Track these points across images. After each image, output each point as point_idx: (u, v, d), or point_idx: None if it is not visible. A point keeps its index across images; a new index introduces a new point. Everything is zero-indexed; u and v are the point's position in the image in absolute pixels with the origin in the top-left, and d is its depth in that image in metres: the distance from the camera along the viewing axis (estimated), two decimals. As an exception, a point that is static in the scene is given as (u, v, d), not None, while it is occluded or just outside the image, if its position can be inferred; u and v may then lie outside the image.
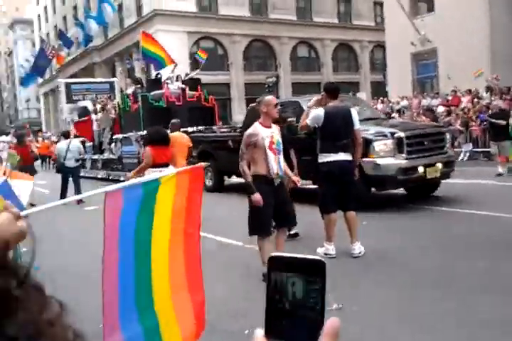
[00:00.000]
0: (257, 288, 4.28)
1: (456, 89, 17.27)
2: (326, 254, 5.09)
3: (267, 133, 4.41)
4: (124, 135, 14.40)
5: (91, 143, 16.85)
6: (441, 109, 16.97)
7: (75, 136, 18.01)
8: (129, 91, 14.90)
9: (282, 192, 4.57)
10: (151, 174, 5.89)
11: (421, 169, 7.39)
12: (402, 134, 7.41)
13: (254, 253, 5.46)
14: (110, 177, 14.56)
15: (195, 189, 2.29)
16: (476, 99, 15.85)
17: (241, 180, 10.64)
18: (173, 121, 8.42)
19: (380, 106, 22.42)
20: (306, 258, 0.65)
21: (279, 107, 4.50)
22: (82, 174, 16.91)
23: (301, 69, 35.57)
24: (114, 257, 1.89)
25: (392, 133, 7.43)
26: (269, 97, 4.56)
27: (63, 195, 10.52)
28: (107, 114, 16.08)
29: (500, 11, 18.75)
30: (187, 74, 15.80)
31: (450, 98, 17.50)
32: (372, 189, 7.80)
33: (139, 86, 15.04)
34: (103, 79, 26.94)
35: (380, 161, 7.27)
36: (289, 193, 4.89)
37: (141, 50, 15.06)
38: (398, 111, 19.01)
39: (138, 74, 27.84)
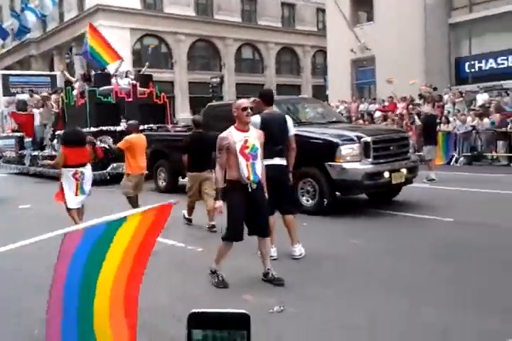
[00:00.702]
0: (199, 290, 4.42)
1: (393, 95, 18.15)
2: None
3: (240, 137, 4.28)
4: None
5: (30, 139, 15.91)
6: (377, 114, 17.80)
7: (15, 131, 17.07)
8: (76, 85, 14.09)
9: (257, 199, 4.39)
10: (66, 174, 6.43)
11: (386, 174, 7.32)
12: (368, 139, 7.30)
13: (196, 254, 5.61)
14: (51, 175, 13.73)
15: (155, 228, 2.18)
16: (411, 106, 16.73)
17: None
18: (130, 122, 7.95)
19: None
20: (230, 313, 0.61)
21: (248, 111, 4.35)
22: (19, 171, 16.41)
23: (245, 71, 35.94)
24: (59, 295, 1.95)
25: (359, 138, 7.30)
26: (240, 101, 4.53)
27: None
28: (49, 109, 15.28)
29: (434, 24, 19.91)
30: (139, 71, 15.25)
31: (387, 104, 18.35)
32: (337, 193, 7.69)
33: (83, 82, 14.27)
34: (44, 72, 25.74)
35: (346, 165, 7.15)
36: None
37: (85, 43, 14.16)
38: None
39: (78, 69, 27.14)
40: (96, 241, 1.97)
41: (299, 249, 5.26)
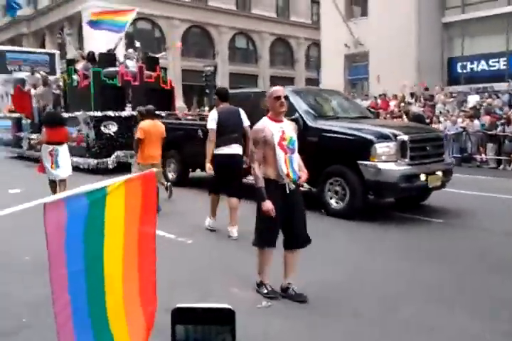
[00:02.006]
0: (184, 281, 4.36)
1: (385, 92, 18.22)
2: (209, 226, 6.24)
3: (277, 129, 3.83)
4: (70, 114, 12.21)
5: (29, 121, 14.81)
6: (369, 111, 17.86)
7: (11, 111, 15.95)
8: (79, 65, 12.97)
9: (294, 202, 3.86)
10: (45, 150, 7.38)
11: (423, 177, 6.69)
12: (405, 137, 6.65)
13: (184, 246, 5.57)
14: None
15: (148, 196, 2.08)
16: (402, 104, 16.83)
17: (204, 174, 9.87)
18: (146, 107, 7.33)
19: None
20: (215, 308, 0.60)
21: (282, 100, 3.86)
22: (16, 155, 15.59)
23: (239, 60, 35.72)
24: (63, 279, 1.75)
25: (395, 135, 6.65)
26: (273, 89, 4.00)
27: None
28: (49, 89, 14.10)
29: (428, 22, 19.99)
30: (146, 53, 14.13)
31: (379, 101, 18.43)
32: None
33: (85, 61, 13.20)
34: (43, 50, 24.32)
35: (381, 166, 6.50)
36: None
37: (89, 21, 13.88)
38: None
39: (70, 49, 26.69)
40: (87, 214, 1.80)
41: (235, 231, 5.85)
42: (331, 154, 6.91)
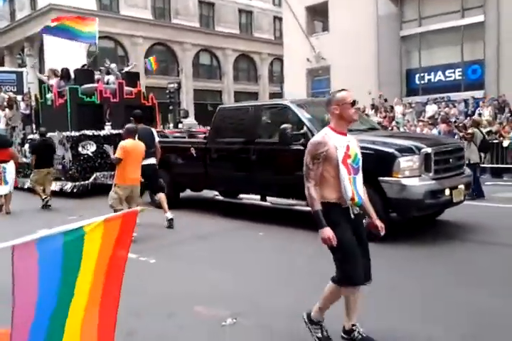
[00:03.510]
0: (148, 302, 4.24)
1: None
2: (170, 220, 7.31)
3: (342, 143, 3.17)
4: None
5: None
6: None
7: None
8: (51, 82, 12.26)
9: (360, 229, 3.26)
10: None
11: (447, 192, 6.16)
12: (429, 150, 6.09)
13: (147, 266, 5.34)
14: (21, 186, 11.75)
15: (124, 236, 2.01)
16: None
17: (195, 194, 9.58)
18: (126, 126, 7.06)
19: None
20: None
21: (356, 106, 3.28)
22: None
23: (203, 77, 35.93)
24: (27, 316, 1.72)
25: (418, 148, 6.08)
26: (343, 94, 3.25)
27: None
28: (18, 111, 13.60)
29: (387, 36, 20.56)
30: (121, 69, 13.41)
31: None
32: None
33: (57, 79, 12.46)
34: (9, 69, 23.39)
35: (405, 181, 5.92)
36: None
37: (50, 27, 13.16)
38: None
39: (30, 70, 26.33)
40: (62, 255, 1.76)
41: (170, 214, 7.23)
42: None
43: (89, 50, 29.56)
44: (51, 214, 8.93)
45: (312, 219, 3.14)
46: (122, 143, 6.67)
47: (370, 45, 20.41)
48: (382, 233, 3.29)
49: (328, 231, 3.03)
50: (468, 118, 14.40)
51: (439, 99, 18.56)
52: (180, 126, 22.57)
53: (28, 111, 13.75)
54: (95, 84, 11.83)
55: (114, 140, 10.24)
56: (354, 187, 3.16)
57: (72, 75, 12.25)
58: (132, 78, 12.90)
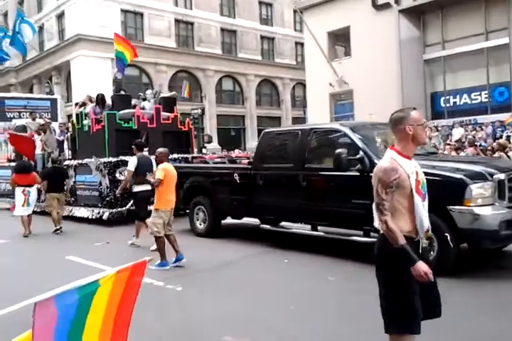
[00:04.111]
0: (175, 331, 4.19)
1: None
2: (133, 244, 7.96)
3: (411, 168, 2.85)
4: (80, 161, 11.62)
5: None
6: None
7: (10, 161, 14.84)
8: (88, 109, 12.22)
9: (428, 262, 2.86)
10: (18, 190, 9.71)
11: None
12: (502, 176, 5.60)
13: (174, 293, 5.33)
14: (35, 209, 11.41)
15: (131, 288, 2.06)
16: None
17: (236, 221, 9.18)
18: (160, 149, 6.93)
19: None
20: None
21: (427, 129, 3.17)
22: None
23: (226, 102, 36.33)
24: None
25: (491, 174, 5.58)
26: (417, 113, 2.94)
27: None
28: (52, 136, 13.57)
29: (409, 59, 20.50)
30: (157, 92, 13.26)
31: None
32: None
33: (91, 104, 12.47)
34: (43, 96, 23.36)
35: (478, 211, 5.40)
36: None
37: (114, 53, 13.59)
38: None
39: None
40: (74, 310, 1.81)
41: (139, 240, 8.00)
42: None
43: (116, 79, 30.31)
44: (77, 240, 9.10)
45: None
46: (162, 166, 6.63)
47: (393, 68, 20.34)
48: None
49: (422, 266, 2.66)
50: (496, 141, 14.07)
51: (466, 122, 18.28)
52: (204, 151, 22.70)
53: (62, 138, 13.77)
54: (132, 110, 11.68)
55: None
56: (426, 217, 2.85)
57: (109, 101, 12.25)
58: (169, 103, 12.69)
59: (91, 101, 12.57)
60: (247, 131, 37.16)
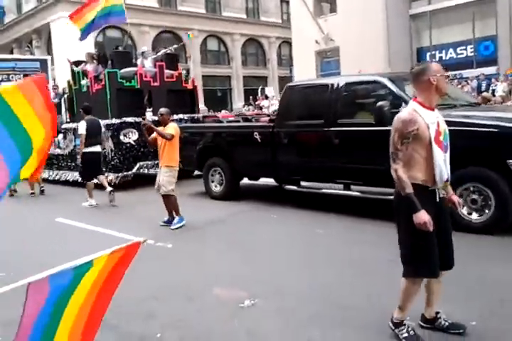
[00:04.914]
0: (166, 286, 4.25)
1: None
2: (90, 205, 8.35)
3: (432, 119, 2.88)
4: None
5: None
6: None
7: None
8: (89, 67, 11.31)
9: (444, 215, 2.99)
10: None
11: None
12: None
13: (164, 251, 5.36)
14: (55, 178, 11.26)
15: (119, 268, 2.02)
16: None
17: (253, 182, 8.68)
18: (163, 109, 6.71)
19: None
20: None
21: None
22: None
23: (211, 63, 35.79)
24: (26, 330, 1.77)
25: None
26: (438, 64, 2.98)
27: None
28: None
29: (395, 15, 20.25)
30: (157, 52, 12.14)
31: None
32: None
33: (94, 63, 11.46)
34: (33, 56, 22.48)
35: None
36: None
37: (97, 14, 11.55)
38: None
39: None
40: (64, 289, 1.80)
41: (109, 188, 8.51)
42: (464, 153, 4.94)
43: (97, 40, 29.61)
44: (68, 202, 9.18)
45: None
46: (173, 125, 6.61)
47: (379, 24, 20.12)
48: (460, 209, 3.04)
49: (424, 215, 2.78)
50: (480, 94, 14.21)
51: (452, 76, 18.33)
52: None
53: (56, 100, 12.80)
54: (134, 68, 10.86)
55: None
56: (446, 168, 2.92)
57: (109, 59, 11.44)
58: (171, 60, 11.70)
59: (93, 59, 11.63)
60: (234, 92, 36.84)
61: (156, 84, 10.89)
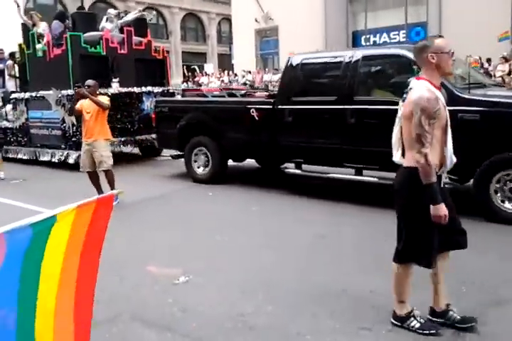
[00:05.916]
0: (101, 265, 4.13)
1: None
2: None
3: (443, 99, 2.70)
4: (33, 94, 9.69)
5: None
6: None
7: None
8: (43, 29, 9.92)
9: (449, 200, 2.82)
10: None
11: None
12: None
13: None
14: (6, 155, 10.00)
15: (98, 225, 1.87)
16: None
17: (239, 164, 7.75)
18: (90, 82, 6.45)
19: (226, 78, 23.38)
20: None
21: (454, 58, 2.78)
22: None
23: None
24: None
25: None
26: (442, 40, 2.71)
27: None
28: None
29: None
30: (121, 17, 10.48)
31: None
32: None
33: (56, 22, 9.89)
34: None
35: None
36: None
37: None
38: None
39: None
40: (28, 248, 1.62)
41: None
42: (501, 138, 4.76)
43: (26, 8, 27.93)
44: None
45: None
46: (106, 97, 6.56)
47: (318, 6, 20.43)
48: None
49: (444, 210, 2.62)
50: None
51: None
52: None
53: (1, 65, 11.27)
54: (100, 32, 9.72)
55: (124, 100, 9.32)
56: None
57: (69, 20, 10.14)
58: (140, 26, 10.47)
59: (39, 19, 10.22)
60: (172, 68, 36.22)
61: (123, 51, 9.79)
